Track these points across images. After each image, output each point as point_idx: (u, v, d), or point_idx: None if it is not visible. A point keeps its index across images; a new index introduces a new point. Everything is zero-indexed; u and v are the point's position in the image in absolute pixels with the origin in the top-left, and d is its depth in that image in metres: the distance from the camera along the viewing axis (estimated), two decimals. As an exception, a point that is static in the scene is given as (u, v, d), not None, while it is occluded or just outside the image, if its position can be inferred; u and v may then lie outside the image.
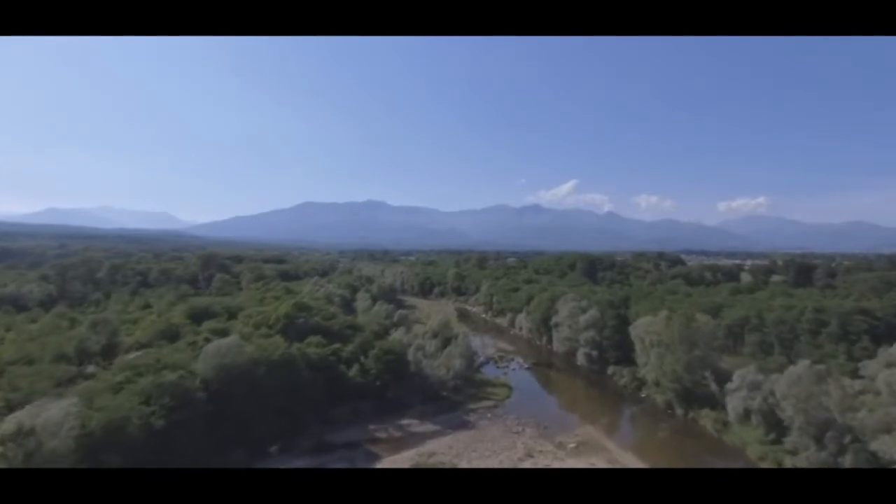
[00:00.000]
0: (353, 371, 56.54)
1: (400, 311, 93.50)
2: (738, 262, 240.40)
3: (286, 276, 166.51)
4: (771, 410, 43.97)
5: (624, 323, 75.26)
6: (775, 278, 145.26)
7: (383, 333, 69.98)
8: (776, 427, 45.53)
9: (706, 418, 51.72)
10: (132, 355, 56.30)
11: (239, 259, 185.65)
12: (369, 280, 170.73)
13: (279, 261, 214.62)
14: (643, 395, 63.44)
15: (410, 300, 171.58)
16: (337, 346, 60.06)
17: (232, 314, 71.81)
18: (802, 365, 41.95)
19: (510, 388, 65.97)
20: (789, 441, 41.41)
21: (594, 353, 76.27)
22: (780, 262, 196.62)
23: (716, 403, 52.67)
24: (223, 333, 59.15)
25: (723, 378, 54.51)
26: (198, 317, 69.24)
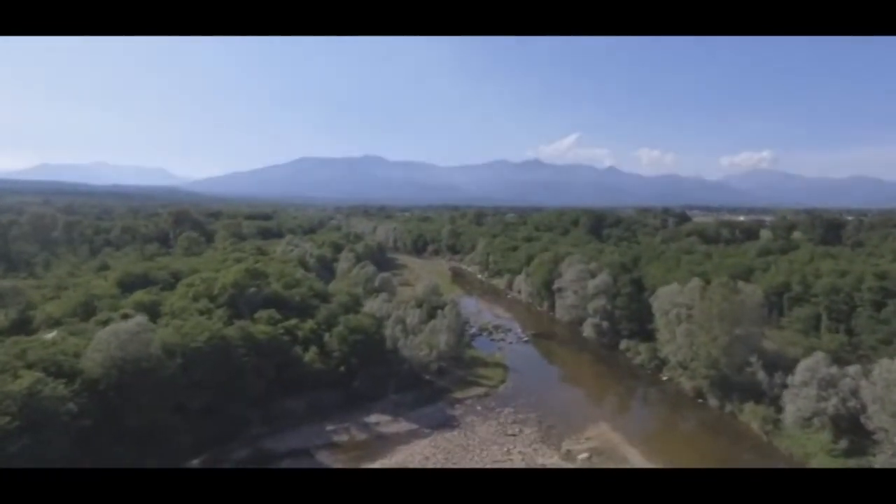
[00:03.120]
0: (311, 354, 45.64)
1: (382, 275, 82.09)
2: (754, 217, 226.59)
3: (268, 234, 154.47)
4: (851, 416, 33.33)
5: (639, 289, 64.22)
6: (796, 235, 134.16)
7: (355, 304, 58.74)
8: (848, 432, 35.19)
9: (751, 415, 41.15)
10: (51, 335, 45.35)
11: (217, 215, 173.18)
12: (357, 238, 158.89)
13: (265, 217, 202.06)
14: (664, 378, 53.13)
15: (402, 259, 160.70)
16: (293, 321, 48.95)
17: (176, 281, 60.27)
18: (901, 359, 30.89)
19: (506, 369, 55.50)
20: (879, 460, 30.92)
21: (604, 324, 65.63)
22: (787, 217, 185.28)
23: (761, 395, 42.18)
24: (151, 308, 48.01)
25: (769, 362, 43.86)
26: (132, 285, 57.69)
